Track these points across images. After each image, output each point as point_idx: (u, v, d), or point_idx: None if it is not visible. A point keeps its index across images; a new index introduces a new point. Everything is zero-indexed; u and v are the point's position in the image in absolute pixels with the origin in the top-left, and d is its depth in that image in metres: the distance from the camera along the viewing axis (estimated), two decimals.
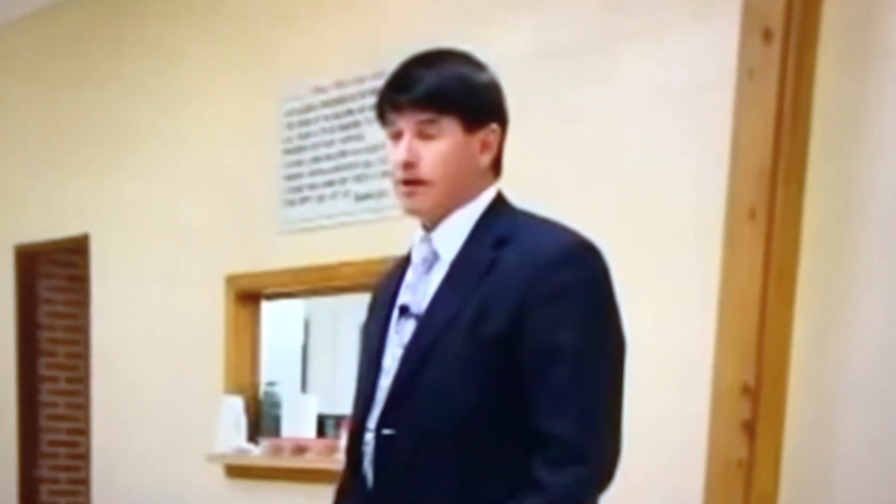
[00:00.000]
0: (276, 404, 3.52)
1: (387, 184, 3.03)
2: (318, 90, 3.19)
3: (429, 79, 1.34)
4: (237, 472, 3.49)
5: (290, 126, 3.29)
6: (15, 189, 4.33)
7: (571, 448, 1.29)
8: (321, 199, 3.20)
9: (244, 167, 3.45)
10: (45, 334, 4.41)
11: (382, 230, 3.02)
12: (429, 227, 1.40)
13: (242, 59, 3.44)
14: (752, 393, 2.16)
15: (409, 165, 1.35)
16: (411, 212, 1.39)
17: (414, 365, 1.35)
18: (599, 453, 1.30)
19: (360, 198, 3.10)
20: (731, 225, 2.20)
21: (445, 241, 1.38)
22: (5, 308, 4.40)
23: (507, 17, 2.72)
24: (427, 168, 1.35)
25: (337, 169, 3.16)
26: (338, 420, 3.57)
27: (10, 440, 4.43)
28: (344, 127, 3.15)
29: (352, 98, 3.11)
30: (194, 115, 3.62)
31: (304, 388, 4.68)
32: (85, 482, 4.18)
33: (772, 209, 2.14)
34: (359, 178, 3.11)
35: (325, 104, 3.18)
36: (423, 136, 1.35)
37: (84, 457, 4.20)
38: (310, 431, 3.48)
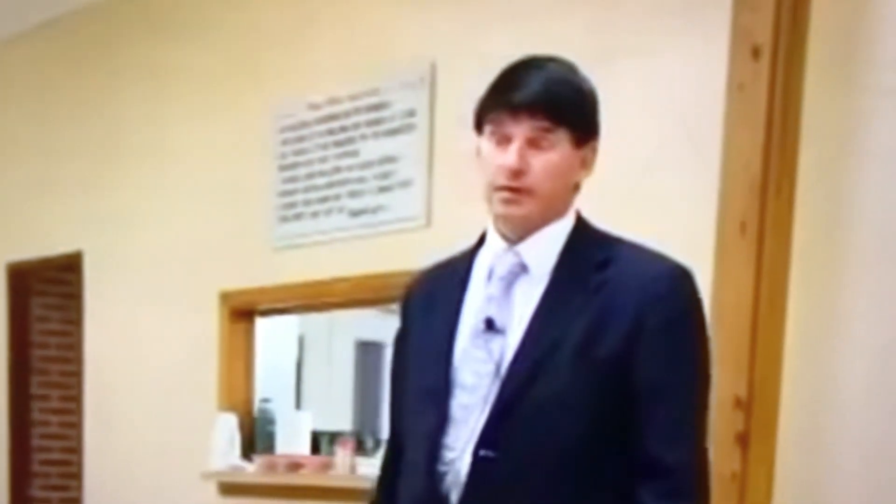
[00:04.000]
0: (270, 421, 3.51)
1: (381, 199, 3.05)
2: (313, 107, 3.21)
3: (543, 84, 1.31)
4: (231, 489, 3.48)
5: (284, 142, 3.30)
6: (7, 206, 4.32)
7: (683, 481, 1.30)
8: (315, 215, 3.22)
9: (238, 183, 3.45)
10: (37, 352, 4.39)
11: (377, 246, 3.03)
12: (513, 239, 1.35)
13: (236, 76, 3.46)
14: (744, 406, 2.17)
15: (517, 173, 1.31)
16: (509, 219, 1.34)
17: (519, 385, 1.31)
18: (702, 486, 1.32)
19: (355, 213, 3.11)
20: (723, 239, 2.22)
21: (536, 256, 1.35)
22: None
23: (499, 35, 2.75)
24: (535, 178, 1.31)
25: (331, 185, 3.17)
26: (332, 436, 3.56)
27: (2, 459, 4.40)
28: (338, 143, 3.16)
29: (346, 114, 3.13)
30: (188, 132, 3.63)
31: (298, 404, 4.67)
32: (77, 501, 4.15)
33: (762, 223, 2.16)
34: (353, 194, 3.12)
35: (320, 120, 3.20)
36: (534, 145, 1.31)
37: (76, 476, 4.18)
38: (304, 448, 3.47)
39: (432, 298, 1.40)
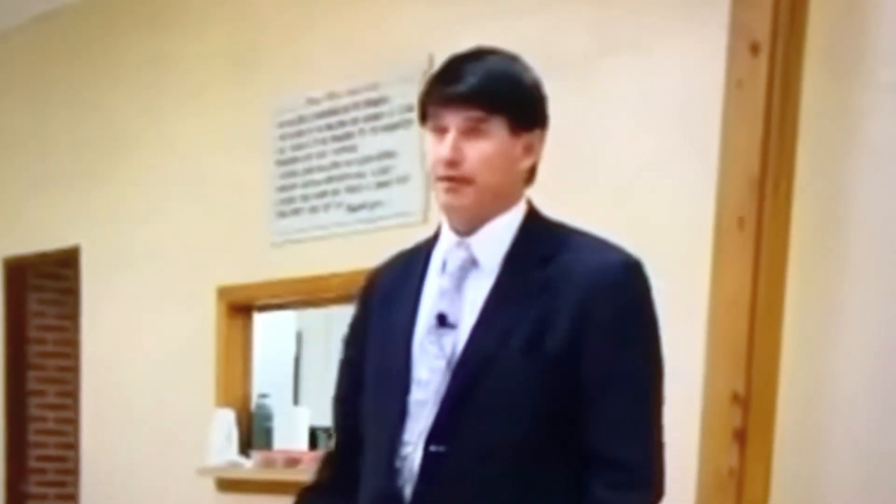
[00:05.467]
0: (267, 417, 3.51)
1: (380, 194, 3.05)
2: (311, 101, 3.21)
3: (478, 74, 1.32)
4: (228, 485, 3.48)
5: (282, 137, 3.30)
6: (4, 200, 4.31)
7: (635, 472, 1.30)
8: (314, 210, 3.22)
9: (236, 178, 3.45)
10: (34, 348, 4.39)
11: (375, 241, 3.03)
12: (463, 231, 1.36)
13: (235, 71, 3.46)
14: (742, 402, 2.18)
15: (452, 163, 1.32)
16: (450, 209, 1.35)
17: (467, 380, 1.31)
18: (658, 478, 1.32)
19: (353, 209, 3.11)
20: (721, 234, 2.22)
21: (485, 249, 1.35)
22: None
23: (496, 30, 2.75)
24: (471, 167, 1.32)
25: (329, 180, 3.18)
26: (330, 432, 3.56)
27: None
28: (337, 138, 3.16)
29: (344, 109, 3.13)
30: (186, 126, 3.62)
31: (296, 400, 4.66)
32: (74, 498, 4.14)
33: (760, 218, 2.16)
34: (351, 190, 3.12)
35: (318, 115, 3.20)
36: (469, 133, 1.32)
37: (73, 472, 4.17)
38: (302, 444, 3.47)
39: (391, 292, 1.41)
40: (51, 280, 4.39)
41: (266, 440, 3.48)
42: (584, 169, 2.61)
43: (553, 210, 2.57)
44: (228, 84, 3.47)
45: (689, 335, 2.30)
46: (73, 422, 4.17)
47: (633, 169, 2.49)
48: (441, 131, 1.34)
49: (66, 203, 4.05)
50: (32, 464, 4.42)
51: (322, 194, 3.19)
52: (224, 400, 3.48)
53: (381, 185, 3.03)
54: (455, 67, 1.34)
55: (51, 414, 4.43)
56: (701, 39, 2.35)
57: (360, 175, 3.09)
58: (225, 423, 3.40)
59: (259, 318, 3.55)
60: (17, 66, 4.27)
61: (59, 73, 4.08)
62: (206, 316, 3.51)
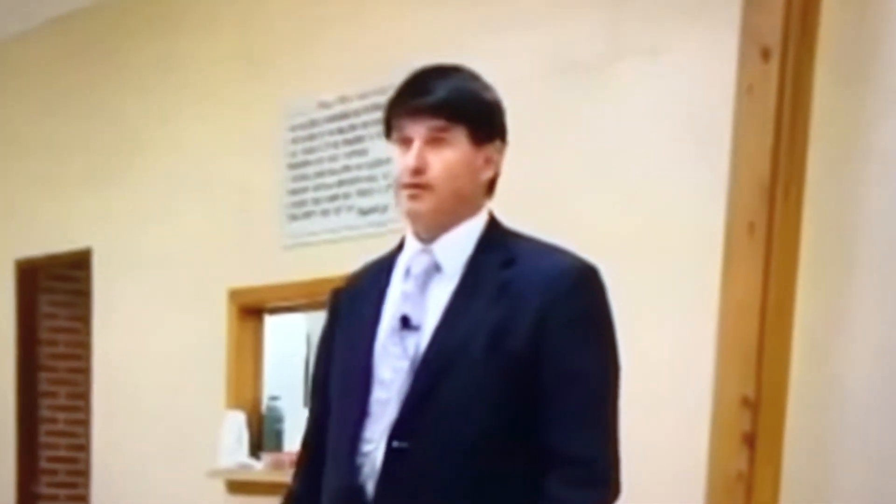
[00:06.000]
0: (278, 419, 3.52)
1: (391, 198, 3.06)
2: (323, 105, 3.23)
3: (443, 87, 1.38)
4: (239, 487, 3.49)
5: (294, 141, 3.32)
6: (16, 202, 4.34)
7: (592, 470, 1.34)
8: (325, 213, 3.23)
9: (248, 181, 3.47)
10: (45, 349, 4.41)
11: (386, 244, 3.03)
12: (426, 239, 1.42)
13: (247, 74, 3.47)
14: (751, 405, 2.18)
15: (417, 171, 1.38)
16: (413, 214, 1.41)
17: (431, 378, 1.36)
18: (615, 475, 1.36)
19: (364, 212, 3.13)
20: (731, 239, 2.23)
21: (448, 255, 1.40)
22: (5, 323, 4.39)
23: (508, 34, 2.76)
24: (434, 174, 1.38)
25: (341, 183, 3.19)
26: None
27: (9, 456, 4.41)
28: (348, 142, 3.18)
29: (356, 113, 3.14)
30: (198, 130, 3.64)
31: (306, 402, 4.67)
32: (84, 499, 4.16)
33: (771, 223, 2.17)
34: (362, 193, 3.13)
35: (330, 119, 3.21)
36: (432, 143, 1.38)
37: (84, 473, 4.19)
38: None
39: (357, 299, 1.46)
40: (62, 282, 4.41)
41: (276, 442, 3.49)
42: (594, 173, 2.61)
43: (563, 213, 2.60)
44: (239, 87, 3.49)
45: (699, 339, 2.31)
46: (84, 423, 4.19)
47: (644, 173, 2.50)
48: (406, 142, 1.40)
49: (77, 205, 4.07)
50: (43, 464, 4.44)
51: (333, 198, 3.21)
52: (235, 402, 3.49)
53: (392, 188, 3.03)
54: (421, 81, 1.40)
55: (62, 415, 4.45)
56: (712, 44, 2.36)
57: (371, 178, 3.11)
58: (235, 425, 3.41)
59: (270, 321, 3.57)
60: (29, 70, 4.30)
61: (70, 76, 4.11)
62: (217, 318, 3.53)
